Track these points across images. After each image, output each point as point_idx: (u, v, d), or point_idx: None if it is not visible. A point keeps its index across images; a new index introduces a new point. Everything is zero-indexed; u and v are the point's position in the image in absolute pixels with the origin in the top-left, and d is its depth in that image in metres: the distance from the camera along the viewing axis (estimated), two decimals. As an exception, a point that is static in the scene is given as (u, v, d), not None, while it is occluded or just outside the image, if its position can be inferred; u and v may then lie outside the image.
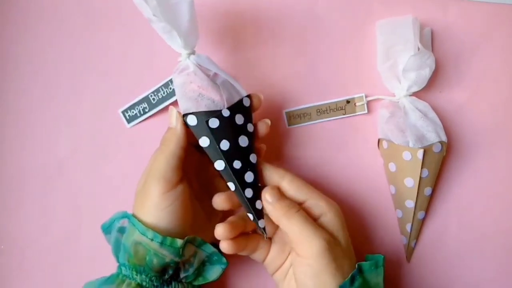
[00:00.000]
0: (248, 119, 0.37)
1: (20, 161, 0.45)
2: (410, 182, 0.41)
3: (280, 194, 0.36)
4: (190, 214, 0.37)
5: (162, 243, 0.34)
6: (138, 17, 0.44)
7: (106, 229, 0.38)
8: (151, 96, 0.42)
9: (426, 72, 0.40)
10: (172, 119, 0.36)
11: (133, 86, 0.43)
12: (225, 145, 0.35)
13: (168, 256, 0.34)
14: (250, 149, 0.37)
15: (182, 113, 0.36)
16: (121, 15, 0.44)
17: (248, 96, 0.38)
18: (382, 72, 0.42)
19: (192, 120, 0.36)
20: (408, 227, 0.42)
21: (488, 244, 0.43)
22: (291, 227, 0.35)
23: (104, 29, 0.44)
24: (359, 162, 0.44)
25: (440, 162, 0.41)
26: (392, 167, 0.42)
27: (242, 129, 0.37)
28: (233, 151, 0.36)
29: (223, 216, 0.40)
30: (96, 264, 0.43)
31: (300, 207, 0.36)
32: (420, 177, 0.40)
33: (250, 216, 0.37)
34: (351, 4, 0.44)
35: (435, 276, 0.43)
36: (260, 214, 0.37)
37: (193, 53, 0.37)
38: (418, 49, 0.40)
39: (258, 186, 0.37)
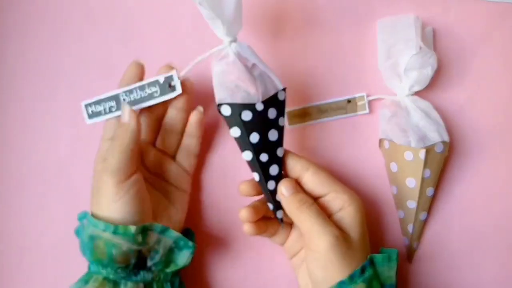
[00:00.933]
0: (280, 113, 0.38)
1: (20, 161, 0.45)
2: (412, 183, 0.40)
3: (296, 187, 0.37)
4: (147, 202, 0.37)
5: (115, 232, 0.34)
6: (130, 21, 0.44)
7: (78, 233, 0.38)
8: (122, 95, 0.39)
9: (428, 71, 0.40)
10: (125, 115, 0.36)
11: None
12: (254, 137, 0.36)
13: (124, 244, 0.34)
14: (278, 143, 0.38)
15: (217, 102, 0.37)
16: (118, 18, 0.44)
17: (284, 89, 0.38)
18: (384, 71, 0.42)
19: (226, 111, 0.36)
20: (410, 227, 0.42)
21: (490, 245, 0.43)
22: (302, 222, 0.36)
23: (103, 29, 0.45)
24: (360, 162, 0.44)
25: (442, 162, 0.41)
26: (393, 167, 0.41)
27: (273, 123, 0.37)
28: (262, 144, 0.37)
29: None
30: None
31: (313, 201, 0.36)
32: (422, 178, 0.40)
33: (270, 206, 0.39)
34: (352, 2, 0.44)
35: (437, 277, 0.43)
36: (279, 205, 0.38)
37: (234, 40, 0.37)
38: (420, 48, 0.40)
39: (281, 179, 0.38)
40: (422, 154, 0.39)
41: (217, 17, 0.35)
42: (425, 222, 0.43)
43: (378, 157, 0.43)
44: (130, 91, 0.39)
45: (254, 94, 0.36)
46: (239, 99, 0.36)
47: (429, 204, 0.42)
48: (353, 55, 0.44)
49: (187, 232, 0.41)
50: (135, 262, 0.36)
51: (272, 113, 0.37)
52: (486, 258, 0.43)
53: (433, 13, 0.43)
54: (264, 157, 0.37)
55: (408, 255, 0.43)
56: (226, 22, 0.36)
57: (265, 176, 0.37)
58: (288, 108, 0.43)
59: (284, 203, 0.37)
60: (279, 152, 0.38)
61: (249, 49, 0.38)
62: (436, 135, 0.40)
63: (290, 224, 0.40)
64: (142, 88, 0.39)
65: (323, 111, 0.43)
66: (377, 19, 0.43)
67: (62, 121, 0.44)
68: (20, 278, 0.44)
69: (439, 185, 0.43)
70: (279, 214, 0.39)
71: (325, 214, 0.36)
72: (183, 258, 0.38)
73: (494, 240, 0.43)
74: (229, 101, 0.36)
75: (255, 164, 0.37)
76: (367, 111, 0.43)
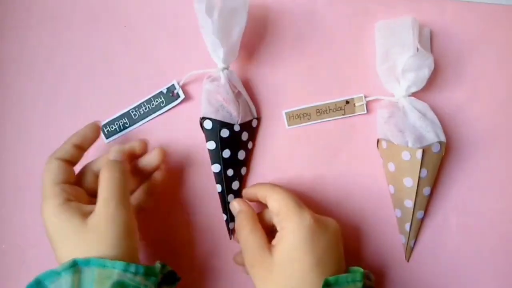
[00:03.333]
0: (251, 137, 0.43)
1: (21, 161, 0.45)
2: (409, 182, 0.41)
3: (243, 206, 0.38)
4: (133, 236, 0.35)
5: (146, 274, 0.32)
6: (131, 22, 0.45)
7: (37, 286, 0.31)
8: (132, 111, 0.43)
9: (425, 73, 0.40)
10: (114, 153, 0.37)
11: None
12: (226, 153, 0.41)
13: (149, 286, 0.32)
14: (244, 162, 0.43)
15: (202, 115, 0.41)
16: (120, 20, 0.45)
17: (257, 118, 0.43)
18: (381, 73, 0.42)
19: (208, 124, 0.41)
20: (407, 226, 0.42)
21: (486, 244, 0.43)
22: (239, 242, 0.37)
23: (104, 30, 0.45)
24: (359, 162, 0.44)
25: (439, 162, 0.41)
26: (391, 167, 0.42)
27: (244, 145, 0.42)
28: (231, 161, 0.42)
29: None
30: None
31: (252, 227, 0.36)
32: (419, 177, 0.40)
33: (224, 216, 0.43)
34: (350, 5, 0.44)
35: (434, 276, 0.43)
36: (232, 217, 0.41)
37: (227, 68, 0.41)
38: (417, 50, 0.40)
39: (239, 194, 0.42)
40: (419, 154, 0.40)
41: (221, 46, 0.39)
42: (422, 221, 0.43)
43: (376, 158, 0.44)
44: (139, 106, 0.43)
45: (235, 116, 0.41)
46: (221, 117, 0.41)
47: (426, 203, 0.43)
48: (351, 57, 0.44)
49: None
50: None
51: (245, 135, 0.42)
52: (482, 257, 0.43)
53: (429, 15, 0.43)
54: (230, 172, 0.42)
55: (405, 254, 0.44)
56: (226, 51, 0.40)
57: (227, 189, 0.42)
58: (286, 109, 0.44)
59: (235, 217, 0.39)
60: (243, 171, 0.43)
61: (238, 78, 0.42)
62: (432, 135, 0.40)
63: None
64: (148, 101, 0.43)
65: (321, 112, 0.44)
66: (375, 21, 0.44)
67: (63, 121, 0.45)
68: (22, 277, 0.44)
69: (435, 184, 0.43)
70: (231, 225, 0.42)
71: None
72: None
73: (490, 239, 0.43)
74: (213, 117, 0.41)
75: (220, 177, 0.42)
76: (365, 111, 0.44)
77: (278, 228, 0.36)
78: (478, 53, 0.44)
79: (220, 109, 0.41)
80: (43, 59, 0.45)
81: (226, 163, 0.41)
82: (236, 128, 0.41)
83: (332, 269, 0.35)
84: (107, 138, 0.44)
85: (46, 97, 0.45)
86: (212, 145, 0.41)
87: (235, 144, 0.42)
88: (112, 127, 0.44)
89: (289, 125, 0.44)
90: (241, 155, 0.42)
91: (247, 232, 0.36)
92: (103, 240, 0.32)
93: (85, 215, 0.33)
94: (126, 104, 0.44)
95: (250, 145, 0.43)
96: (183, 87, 0.44)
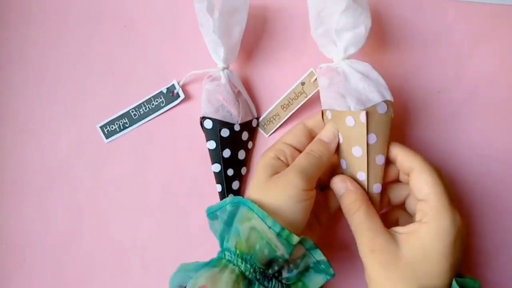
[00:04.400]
0: (251, 137, 0.43)
1: (21, 161, 0.45)
2: (358, 151, 0.36)
3: (348, 186, 0.36)
4: (307, 218, 0.35)
5: (279, 234, 0.32)
6: (130, 22, 0.45)
7: (212, 213, 0.36)
8: (132, 111, 0.44)
9: (362, 31, 0.36)
10: (330, 135, 0.37)
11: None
12: (227, 153, 0.41)
13: (280, 249, 0.32)
14: (244, 162, 0.43)
15: (202, 115, 0.41)
16: (120, 19, 0.45)
17: (257, 118, 0.43)
18: (317, 38, 0.39)
19: (208, 124, 0.41)
20: None
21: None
22: (351, 224, 0.35)
23: (104, 30, 0.46)
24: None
25: (389, 125, 0.36)
26: (340, 138, 0.37)
27: (244, 145, 0.42)
28: (231, 160, 0.42)
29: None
30: (96, 263, 0.44)
31: (361, 204, 0.35)
32: (368, 144, 0.35)
33: None
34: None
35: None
36: None
37: (227, 67, 0.41)
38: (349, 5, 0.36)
39: (240, 194, 0.43)
40: (363, 117, 0.35)
41: (222, 45, 0.39)
42: (381, 195, 0.37)
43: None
44: (139, 106, 0.44)
45: (235, 116, 0.41)
46: (221, 117, 0.41)
47: (381, 174, 0.37)
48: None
49: None
50: (277, 269, 0.34)
51: (245, 135, 0.42)
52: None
53: (430, 16, 0.44)
54: (230, 172, 0.42)
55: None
56: (227, 50, 0.40)
57: (227, 189, 0.42)
58: (259, 120, 0.44)
59: (340, 202, 0.36)
60: (243, 171, 0.43)
61: (237, 77, 0.42)
62: (377, 95, 0.36)
63: None
64: (148, 101, 0.44)
65: (286, 105, 0.42)
66: None
67: (63, 121, 0.45)
68: (22, 277, 0.44)
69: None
70: None
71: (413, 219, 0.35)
72: (316, 282, 0.35)
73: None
74: (213, 116, 0.41)
75: (221, 177, 0.42)
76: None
77: (417, 215, 0.34)
78: (479, 53, 0.44)
79: (220, 108, 0.41)
80: (42, 59, 0.45)
81: (226, 163, 0.41)
82: (236, 127, 0.41)
83: (457, 270, 0.33)
84: (107, 138, 0.44)
85: (46, 97, 0.45)
86: (212, 144, 0.41)
87: (235, 144, 0.42)
88: (112, 127, 0.44)
89: (267, 134, 0.43)
90: (241, 155, 0.42)
91: (363, 213, 0.34)
92: (275, 193, 0.34)
93: (276, 171, 0.36)
94: (126, 104, 0.44)
95: (250, 145, 0.43)
96: (183, 87, 0.44)
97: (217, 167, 0.42)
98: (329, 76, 0.38)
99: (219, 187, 0.42)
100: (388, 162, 0.37)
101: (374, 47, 0.44)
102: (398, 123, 0.44)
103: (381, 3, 0.44)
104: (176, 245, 0.44)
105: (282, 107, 0.42)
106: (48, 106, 0.45)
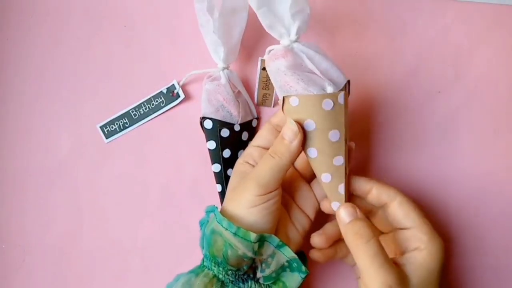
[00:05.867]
0: (251, 137, 0.43)
1: (21, 161, 0.45)
2: (336, 135, 0.34)
3: (356, 214, 0.35)
4: (277, 216, 0.36)
5: (235, 234, 0.33)
6: (131, 23, 0.45)
7: (201, 224, 0.38)
8: (132, 111, 0.44)
9: (308, 11, 0.35)
10: (290, 134, 0.34)
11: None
12: (227, 153, 0.41)
13: (241, 248, 0.33)
14: None
15: (202, 115, 0.41)
16: (120, 20, 0.45)
17: (257, 118, 0.44)
18: (263, 21, 0.35)
19: (208, 124, 0.41)
20: (341, 189, 0.35)
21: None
22: (357, 258, 0.33)
23: (104, 30, 0.45)
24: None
25: (347, 105, 0.35)
26: (310, 125, 0.34)
27: (244, 145, 0.42)
28: (231, 160, 0.41)
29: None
30: (96, 263, 0.44)
31: (373, 235, 0.33)
32: (345, 126, 0.34)
33: None
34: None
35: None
36: None
37: (227, 67, 0.41)
38: None
39: None
40: (341, 98, 0.33)
41: (222, 45, 0.39)
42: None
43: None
44: (139, 106, 0.44)
45: (235, 116, 0.41)
46: (221, 117, 0.41)
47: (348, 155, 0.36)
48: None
49: (300, 255, 0.37)
50: (246, 269, 0.35)
51: (245, 135, 0.42)
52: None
53: (430, 16, 0.44)
54: (230, 172, 0.42)
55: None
56: (227, 50, 0.40)
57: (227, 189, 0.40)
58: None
59: (342, 229, 0.35)
60: None
61: (237, 77, 0.42)
62: (341, 75, 0.35)
63: None
64: (148, 101, 0.43)
65: (266, 85, 0.43)
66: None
67: (63, 121, 0.45)
68: (22, 277, 0.45)
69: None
70: None
71: (399, 248, 0.35)
72: (293, 281, 0.36)
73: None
74: (213, 116, 0.41)
75: (221, 177, 0.42)
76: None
77: (411, 243, 0.35)
78: (479, 53, 0.44)
79: (220, 108, 0.41)
80: (43, 59, 0.45)
81: (226, 163, 0.42)
82: (237, 128, 0.42)
83: None
84: (107, 138, 0.44)
85: (46, 97, 0.45)
86: (212, 144, 0.41)
87: (235, 144, 0.42)
88: (112, 127, 0.44)
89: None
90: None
91: (376, 245, 0.33)
92: (238, 200, 0.35)
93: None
94: (126, 104, 0.44)
95: None
96: (183, 87, 0.44)
97: (217, 167, 0.42)
98: (288, 58, 0.34)
99: (219, 187, 0.42)
100: (357, 196, 0.37)
101: (374, 47, 0.44)
102: (398, 123, 0.44)
103: (381, 3, 0.44)
104: (176, 245, 0.44)
105: (263, 88, 0.43)
106: (48, 106, 0.45)
